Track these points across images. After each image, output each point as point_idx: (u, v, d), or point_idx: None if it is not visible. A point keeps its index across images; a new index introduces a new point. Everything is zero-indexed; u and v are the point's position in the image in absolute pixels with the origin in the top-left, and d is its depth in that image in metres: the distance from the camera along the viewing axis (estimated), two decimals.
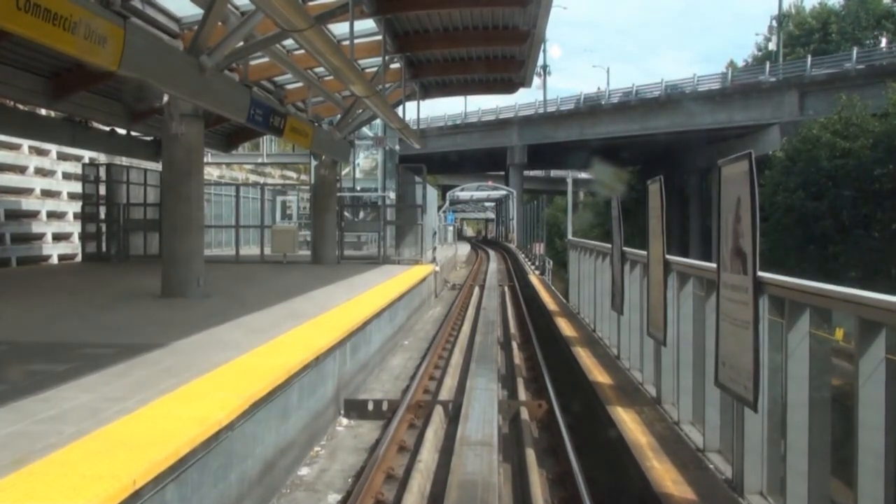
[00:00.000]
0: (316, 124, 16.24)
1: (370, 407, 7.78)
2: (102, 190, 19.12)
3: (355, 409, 7.81)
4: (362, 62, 15.44)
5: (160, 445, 3.82)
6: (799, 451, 3.90)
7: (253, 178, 34.12)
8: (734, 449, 4.62)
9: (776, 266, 26.26)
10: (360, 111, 17.47)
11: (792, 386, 4.01)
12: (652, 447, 5.22)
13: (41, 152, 19.99)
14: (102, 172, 19.22)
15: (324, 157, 17.99)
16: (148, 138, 18.37)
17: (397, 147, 26.18)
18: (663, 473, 4.70)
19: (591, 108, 49.84)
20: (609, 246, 9.60)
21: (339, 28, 12.97)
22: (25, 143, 19.16)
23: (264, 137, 23.67)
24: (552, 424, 7.24)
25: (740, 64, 63.24)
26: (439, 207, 44.13)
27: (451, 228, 51.57)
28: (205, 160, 14.68)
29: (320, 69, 14.73)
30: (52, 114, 15.21)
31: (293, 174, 40.62)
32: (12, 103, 14.41)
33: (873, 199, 29.81)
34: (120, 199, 19.32)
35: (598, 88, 53.11)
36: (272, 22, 8.40)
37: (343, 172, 23.40)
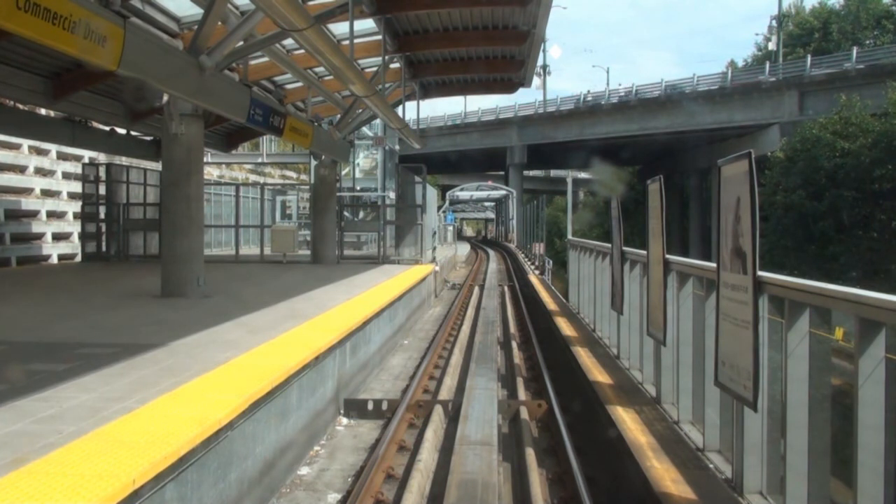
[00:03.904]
0: (315, 124, 16.24)
1: (370, 406, 7.79)
2: (102, 190, 19.12)
3: (355, 408, 7.82)
4: (362, 62, 15.43)
5: (160, 445, 3.82)
6: (799, 450, 3.90)
7: (253, 177, 34.11)
8: (734, 448, 4.62)
9: (776, 266, 26.32)
10: (360, 111, 17.46)
11: (792, 385, 4.01)
12: (652, 447, 5.22)
13: (41, 152, 19.98)
14: (102, 172, 19.22)
15: (323, 157, 17.98)
16: (148, 138, 18.37)
17: (397, 147, 26.19)
18: (663, 473, 4.69)
19: (590, 108, 49.85)
20: (609, 246, 9.60)
21: (339, 28, 12.97)
22: (25, 143, 19.14)
23: (264, 137, 23.66)
24: (552, 424, 7.24)
25: (740, 64, 63.35)
26: (439, 207, 44.13)
27: (450, 228, 51.57)
28: (205, 160, 14.68)
29: (320, 69, 14.72)
30: (52, 113, 15.20)
31: (293, 174, 40.62)
32: (12, 103, 14.40)
33: (873, 199, 29.82)
34: (120, 198, 19.32)
35: (588, 91, 52.84)
36: (272, 21, 8.38)
37: (343, 172, 23.43)
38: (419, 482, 5.55)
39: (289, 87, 16.98)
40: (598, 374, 7.61)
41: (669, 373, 6.34)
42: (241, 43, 10.14)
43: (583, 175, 67.64)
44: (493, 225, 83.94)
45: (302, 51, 11.93)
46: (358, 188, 25.94)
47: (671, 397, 6.31)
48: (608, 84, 75.23)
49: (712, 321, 4.85)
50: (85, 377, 5.31)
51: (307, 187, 23.31)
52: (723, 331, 4.55)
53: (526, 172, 59.39)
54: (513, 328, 13.60)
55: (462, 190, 59.41)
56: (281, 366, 5.80)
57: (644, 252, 7.14)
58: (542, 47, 40.15)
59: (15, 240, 18.62)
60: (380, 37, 13.91)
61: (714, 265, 4.82)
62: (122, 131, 17.43)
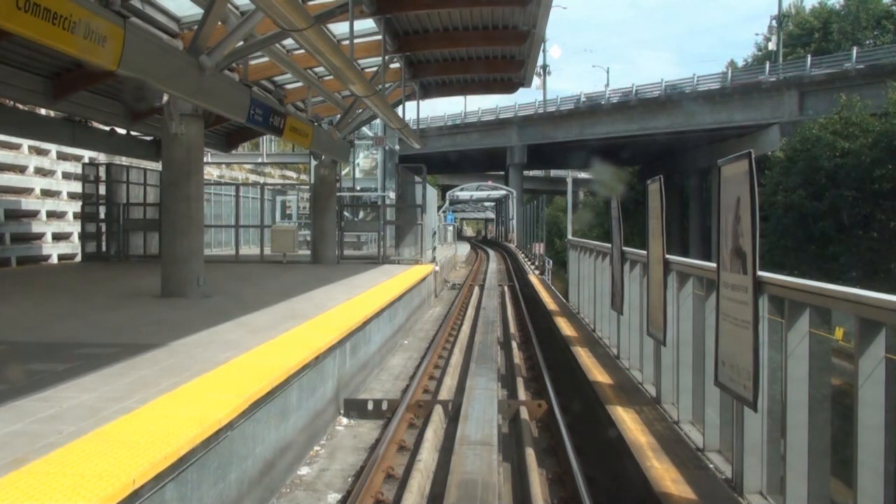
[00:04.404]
0: (316, 124, 16.24)
1: (370, 406, 7.79)
2: (102, 190, 19.13)
3: (355, 408, 7.82)
4: (362, 62, 15.43)
5: (160, 445, 3.82)
6: (799, 450, 3.90)
7: (253, 177, 34.11)
8: (734, 448, 4.62)
9: (775, 267, 26.30)
10: (360, 111, 17.46)
11: (792, 385, 4.01)
12: (652, 447, 5.21)
13: (41, 152, 19.98)
14: (102, 172, 19.22)
15: (323, 157, 17.98)
16: (148, 138, 18.37)
17: (397, 147, 26.19)
18: (663, 473, 4.69)
19: (590, 108, 49.84)
20: (609, 246, 9.60)
21: (339, 28, 12.97)
22: (25, 143, 19.15)
23: (264, 137, 23.67)
24: (552, 424, 7.24)
25: (740, 64, 63.38)
26: (439, 207, 44.13)
27: (450, 228, 51.57)
28: (205, 160, 14.68)
29: (320, 69, 14.72)
30: (52, 113, 15.20)
31: (293, 174, 40.62)
32: (12, 103, 14.40)
33: (873, 199, 29.81)
34: (120, 198, 19.33)
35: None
36: (272, 21, 8.39)
37: (343, 172, 23.43)
38: (419, 482, 5.55)
39: (289, 87, 16.98)
40: (598, 374, 7.61)
41: (669, 373, 6.34)
42: (241, 43, 10.13)
43: (583, 175, 67.63)
44: (493, 225, 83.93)
45: (302, 51, 11.93)
46: (358, 188, 25.94)
47: (671, 397, 6.31)
48: (608, 84, 75.23)
49: (712, 321, 4.85)
50: (85, 377, 5.31)
51: (307, 187, 23.31)
52: (723, 331, 4.55)
53: (526, 172, 59.37)
54: (513, 328, 13.60)
55: (462, 190, 59.40)
56: (281, 366, 5.80)
57: (644, 252, 7.14)
58: (542, 47, 40.17)
59: (15, 240, 18.61)
60: (380, 37, 13.91)
61: (714, 265, 4.82)
62: (122, 131, 17.42)
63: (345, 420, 7.65)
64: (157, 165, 18.83)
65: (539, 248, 32.62)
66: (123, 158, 20.19)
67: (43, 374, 5.39)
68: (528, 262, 30.11)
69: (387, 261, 19.32)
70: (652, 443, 5.31)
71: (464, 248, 45.86)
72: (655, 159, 53.45)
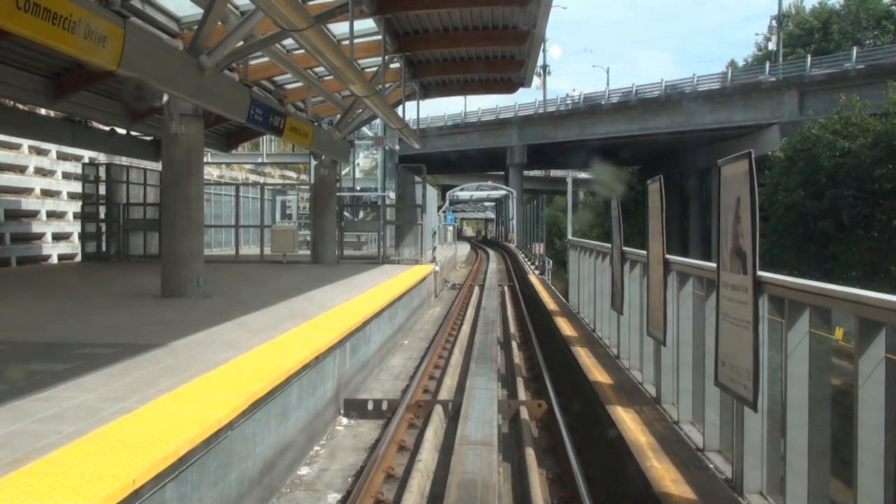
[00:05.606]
0: (315, 124, 16.23)
1: (370, 406, 7.79)
2: (102, 190, 19.12)
3: (355, 408, 7.82)
4: (362, 62, 15.43)
5: (160, 445, 3.82)
6: (799, 450, 3.90)
7: (253, 177, 34.11)
8: (734, 448, 4.62)
9: (775, 266, 26.28)
10: (360, 111, 17.46)
11: (792, 385, 4.01)
12: (652, 447, 5.22)
13: (41, 152, 19.98)
14: (102, 172, 19.22)
15: (323, 157, 17.98)
16: (148, 138, 18.37)
17: (397, 147, 26.19)
18: (663, 473, 4.69)
19: (590, 108, 49.83)
20: (609, 246, 9.61)
21: (339, 28, 12.97)
22: (25, 143, 19.15)
23: (264, 137, 23.66)
24: (552, 424, 7.25)
25: (740, 64, 63.39)
26: (439, 207, 44.13)
27: (450, 228, 51.59)
28: (204, 160, 14.67)
29: (320, 69, 14.72)
30: (52, 113, 15.20)
31: (293, 174, 40.62)
32: (12, 103, 14.40)
33: (873, 198, 29.79)
34: (120, 198, 19.32)
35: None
36: (272, 21, 8.39)
37: (343, 172, 23.43)
38: (419, 482, 5.55)
39: (289, 87, 16.97)
40: (598, 374, 7.62)
41: (669, 373, 6.34)
42: (241, 43, 10.13)
43: (583, 175, 67.63)
44: (493, 225, 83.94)
45: (302, 51, 11.94)
46: (358, 188, 25.93)
47: (671, 397, 6.31)
48: (608, 84, 75.30)
49: (712, 321, 4.85)
50: (85, 377, 5.31)
51: (307, 187, 23.31)
52: (723, 331, 4.55)
53: (526, 172, 59.35)
54: (513, 328, 13.60)
55: (462, 190, 59.40)
56: (281, 366, 5.80)
57: (644, 252, 7.14)
58: (542, 47, 40.19)
59: (15, 240, 18.61)
60: (380, 37, 13.91)
61: (714, 265, 4.82)
62: (122, 131, 17.42)
63: (345, 420, 7.65)
64: (157, 165, 18.83)
65: (539, 248, 32.63)
66: (123, 158, 20.18)
67: (43, 373, 5.39)
68: (528, 262, 30.12)
69: (387, 261, 19.32)
70: (652, 443, 5.31)
71: (464, 248, 45.86)
72: (655, 159, 53.45)
